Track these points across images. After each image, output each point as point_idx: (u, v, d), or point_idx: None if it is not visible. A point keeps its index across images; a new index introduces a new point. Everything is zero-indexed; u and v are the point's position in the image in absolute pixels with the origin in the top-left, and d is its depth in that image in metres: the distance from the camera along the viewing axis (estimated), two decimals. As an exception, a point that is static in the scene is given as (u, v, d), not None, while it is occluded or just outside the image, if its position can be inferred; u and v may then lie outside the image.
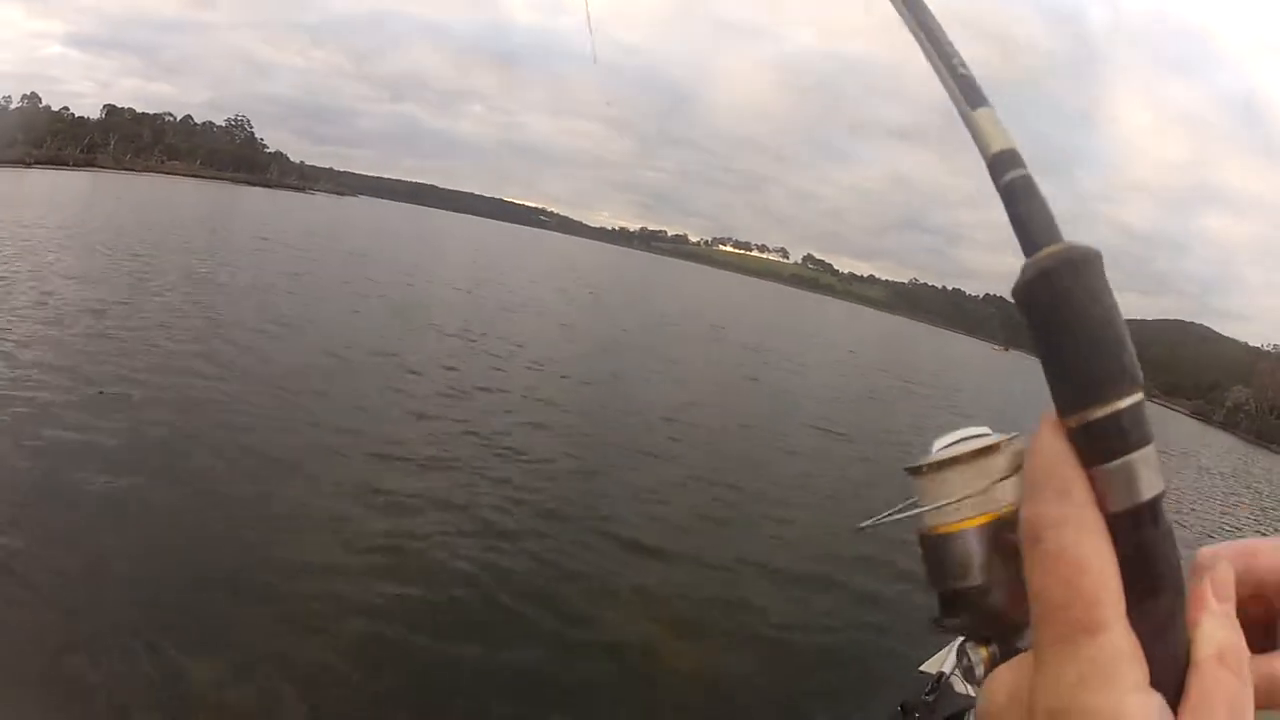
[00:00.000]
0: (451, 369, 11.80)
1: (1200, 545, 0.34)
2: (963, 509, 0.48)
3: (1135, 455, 0.26)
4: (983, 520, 0.47)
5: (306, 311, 14.57)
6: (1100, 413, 0.26)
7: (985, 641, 0.51)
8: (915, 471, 0.51)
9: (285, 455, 6.88)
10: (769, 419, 13.64)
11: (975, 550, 0.47)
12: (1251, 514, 18.15)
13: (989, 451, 0.48)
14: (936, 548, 0.49)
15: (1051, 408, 0.28)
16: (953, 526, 0.48)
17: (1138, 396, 0.26)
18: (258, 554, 5.06)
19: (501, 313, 20.73)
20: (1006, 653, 0.50)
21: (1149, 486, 0.26)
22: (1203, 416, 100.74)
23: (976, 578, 0.47)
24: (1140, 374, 0.27)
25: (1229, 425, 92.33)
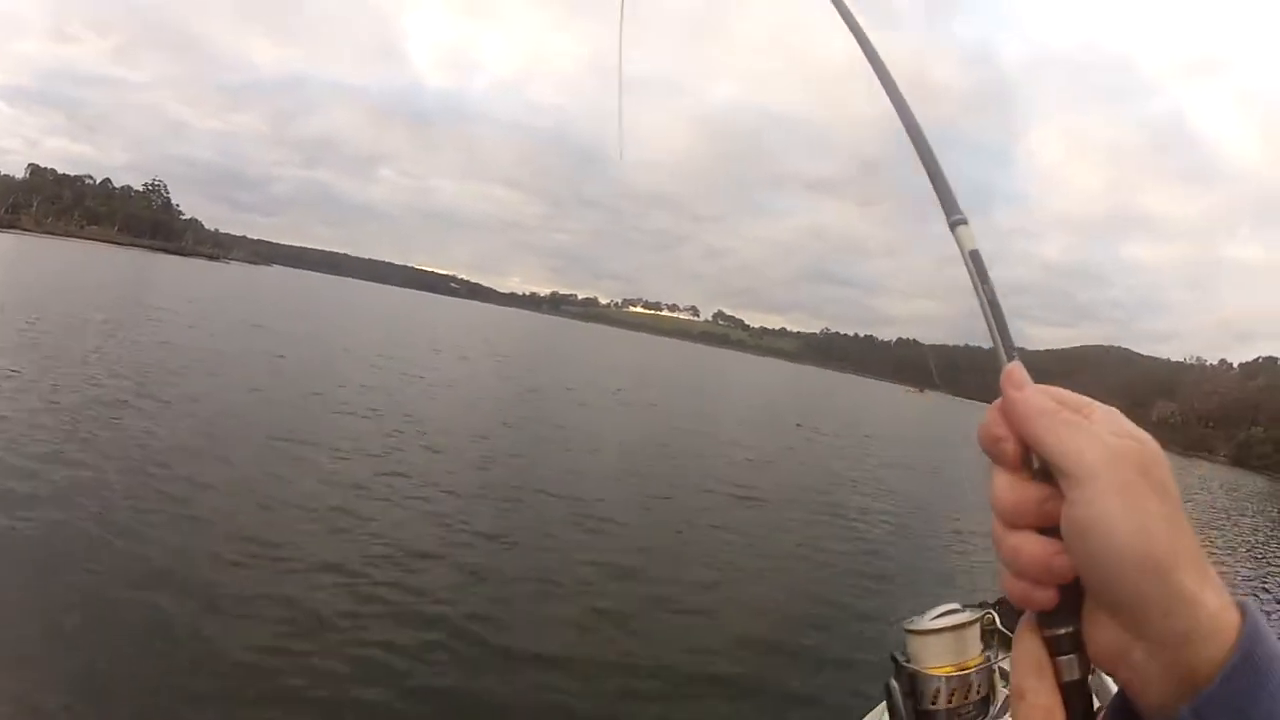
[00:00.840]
0: (342, 453, 10.82)
1: None
2: (942, 659, 0.76)
3: (1074, 655, 0.44)
4: (953, 670, 0.76)
5: (196, 389, 13.41)
6: (1060, 631, 0.44)
7: None
8: (911, 631, 0.78)
9: (153, 555, 6.15)
10: (681, 489, 13.00)
11: (943, 688, 0.75)
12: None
13: (965, 626, 0.78)
14: (918, 681, 0.76)
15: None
16: (934, 670, 0.76)
17: (1077, 625, 0.43)
18: (114, 663, 4.56)
19: (401, 387, 19.57)
20: None
21: (1081, 671, 0.44)
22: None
23: (941, 704, 0.75)
24: (1079, 612, 0.44)
25: (1156, 441, 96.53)
